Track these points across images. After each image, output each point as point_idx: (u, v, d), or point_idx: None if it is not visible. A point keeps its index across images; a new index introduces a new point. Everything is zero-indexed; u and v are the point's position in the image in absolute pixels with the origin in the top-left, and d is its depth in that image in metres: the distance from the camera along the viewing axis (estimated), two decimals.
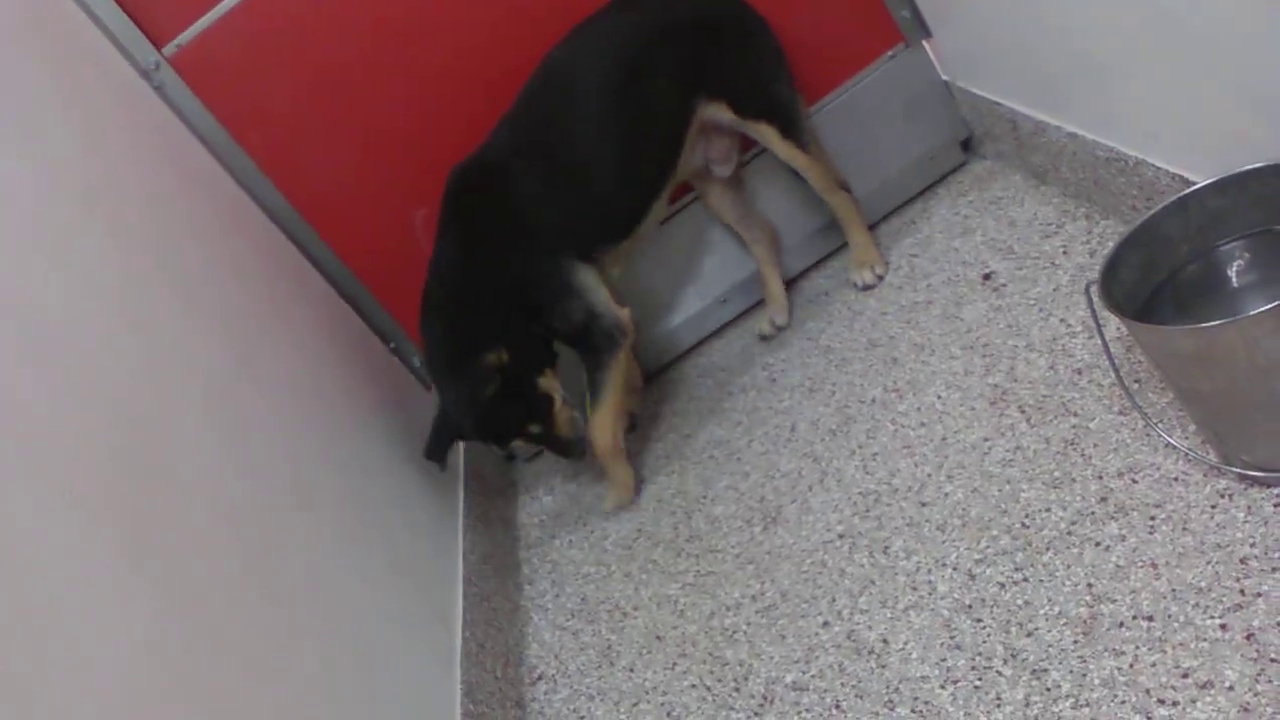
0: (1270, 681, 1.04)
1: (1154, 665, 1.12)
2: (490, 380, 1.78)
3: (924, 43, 2.09)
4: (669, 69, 1.86)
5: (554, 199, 1.84)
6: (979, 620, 1.30)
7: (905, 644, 1.34)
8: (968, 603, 1.33)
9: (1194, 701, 1.07)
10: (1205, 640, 1.11)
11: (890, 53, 2.09)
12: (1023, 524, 1.37)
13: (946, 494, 1.49)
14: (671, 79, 1.87)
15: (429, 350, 1.90)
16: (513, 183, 1.83)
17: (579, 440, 1.93)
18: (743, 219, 2.12)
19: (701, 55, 1.87)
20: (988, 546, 1.38)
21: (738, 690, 1.46)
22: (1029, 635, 1.24)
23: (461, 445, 2.14)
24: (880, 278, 2.02)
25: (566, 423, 1.91)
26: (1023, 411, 1.52)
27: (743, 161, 2.08)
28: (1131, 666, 1.14)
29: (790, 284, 2.22)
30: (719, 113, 1.91)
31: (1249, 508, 1.20)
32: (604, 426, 1.91)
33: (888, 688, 1.31)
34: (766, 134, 1.94)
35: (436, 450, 1.88)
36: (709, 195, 2.10)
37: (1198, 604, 1.15)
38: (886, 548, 1.48)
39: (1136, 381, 1.43)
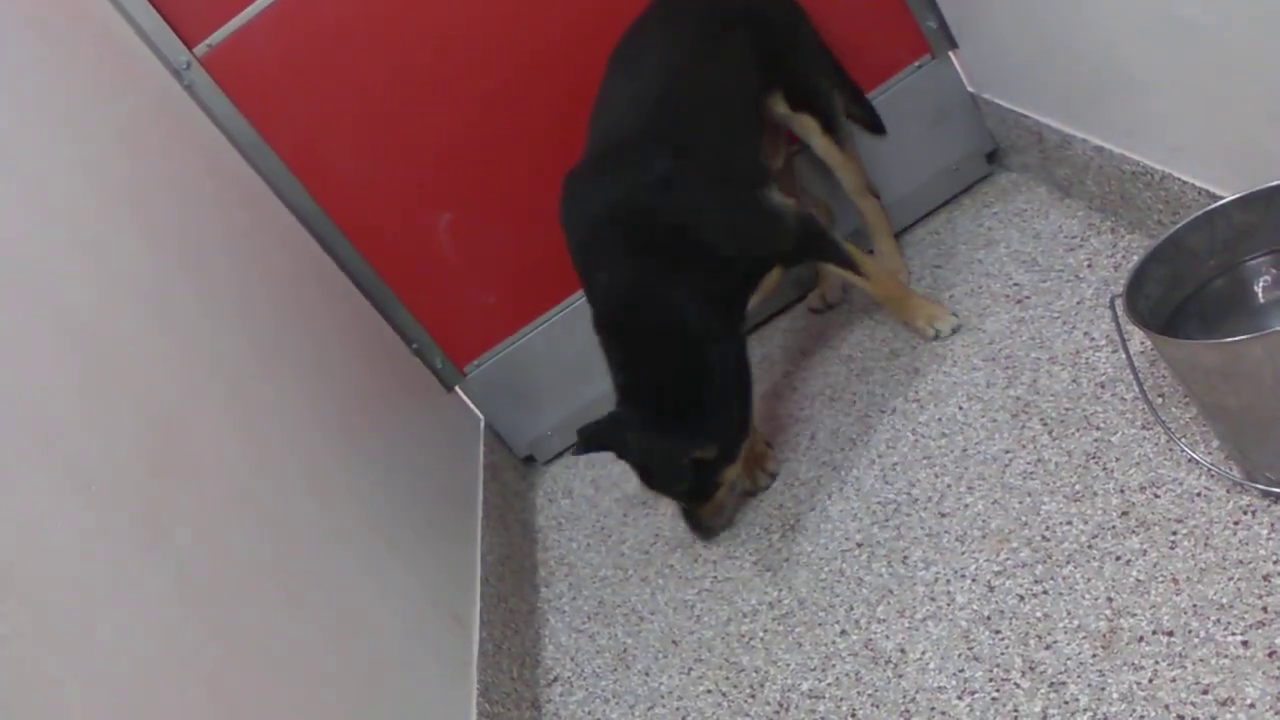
0: None
1: (1174, 681, 1.12)
2: (685, 475, 1.67)
3: (950, 54, 2.09)
4: (739, 55, 1.84)
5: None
6: (997, 632, 1.30)
7: (923, 654, 1.34)
8: (986, 614, 1.33)
9: (1214, 718, 1.06)
10: (1226, 657, 1.11)
11: (916, 64, 2.09)
12: (1043, 536, 1.37)
13: (966, 505, 1.49)
14: (743, 63, 1.84)
15: (636, 376, 1.69)
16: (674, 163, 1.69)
17: (715, 529, 1.78)
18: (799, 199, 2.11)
19: (759, 44, 1.86)
20: (1007, 558, 1.37)
21: (753, 697, 1.46)
22: (1048, 648, 1.24)
23: (482, 448, 2.15)
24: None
25: (716, 510, 1.76)
26: (1044, 424, 1.52)
27: (792, 152, 2.08)
28: (1151, 681, 1.13)
29: (814, 289, 2.22)
30: (776, 104, 1.90)
31: (1272, 524, 1.19)
32: (878, 271, 1.86)
33: (904, 697, 1.31)
34: (809, 126, 1.92)
35: (590, 442, 1.76)
36: None
37: (1219, 620, 1.14)
38: (905, 558, 1.48)
39: (1160, 396, 1.42)
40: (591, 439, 1.75)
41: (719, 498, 1.74)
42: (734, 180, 1.74)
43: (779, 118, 1.92)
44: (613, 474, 2.09)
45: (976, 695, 1.25)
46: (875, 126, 2.09)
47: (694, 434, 1.64)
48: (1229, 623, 1.13)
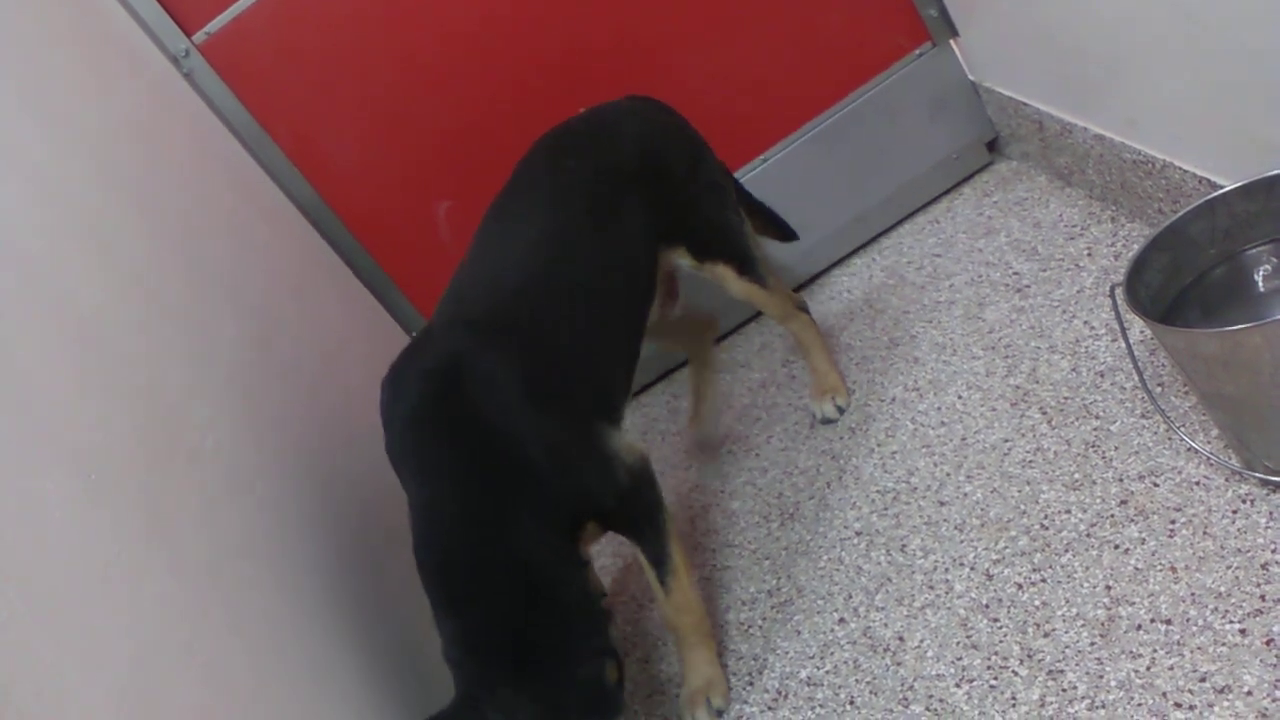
0: None
1: (1171, 669, 1.12)
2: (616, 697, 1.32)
3: (951, 42, 2.09)
4: (633, 217, 1.60)
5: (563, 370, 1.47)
6: (996, 620, 1.30)
7: (921, 642, 1.34)
8: (985, 602, 1.33)
9: (1211, 706, 1.07)
10: (1224, 645, 1.11)
11: (917, 51, 2.09)
12: (1042, 525, 1.37)
13: (965, 494, 1.49)
14: (637, 227, 1.61)
15: (480, 636, 1.32)
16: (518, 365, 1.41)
17: None
18: (675, 328, 1.91)
19: (657, 198, 1.63)
20: (1006, 547, 1.37)
21: (751, 684, 1.46)
22: (1046, 636, 1.24)
23: None
24: (842, 410, 1.80)
25: None
26: (1044, 413, 1.52)
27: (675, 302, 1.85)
28: (1149, 669, 1.13)
29: (812, 280, 2.22)
30: (679, 259, 1.69)
31: (1271, 513, 1.19)
32: (688, 597, 1.48)
33: (902, 685, 1.31)
34: (723, 275, 1.72)
35: None
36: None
37: (1217, 608, 1.14)
38: (904, 546, 1.48)
39: (1159, 385, 1.42)
40: None
41: None
42: (576, 405, 1.44)
43: (683, 271, 1.72)
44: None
45: (974, 683, 1.25)
46: (786, 234, 1.97)
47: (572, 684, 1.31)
48: (1227, 611, 1.13)
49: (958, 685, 1.26)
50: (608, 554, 1.89)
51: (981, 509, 1.45)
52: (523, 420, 1.36)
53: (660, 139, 1.70)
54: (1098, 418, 1.45)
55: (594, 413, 1.46)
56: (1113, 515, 1.31)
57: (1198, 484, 1.28)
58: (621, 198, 1.60)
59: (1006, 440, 1.52)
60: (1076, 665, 1.19)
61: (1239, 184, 1.23)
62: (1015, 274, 1.81)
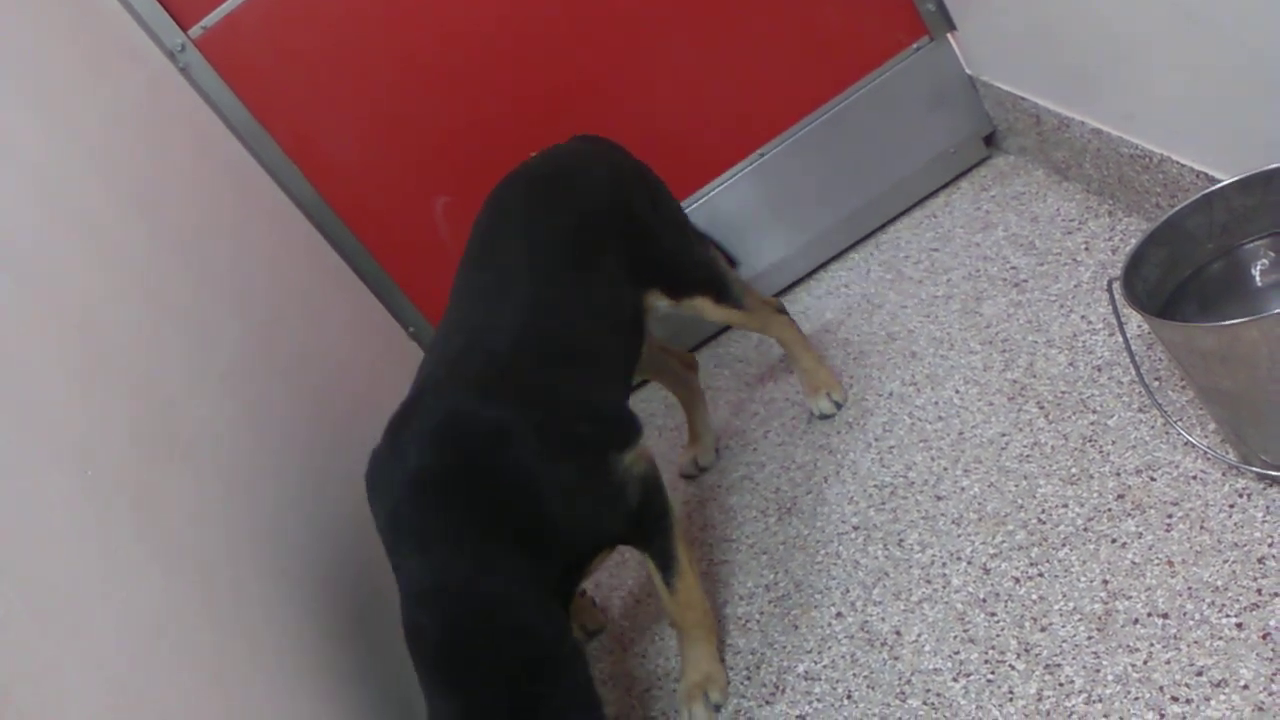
0: None
1: (1168, 663, 1.12)
2: None
3: (948, 36, 2.09)
4: (612, 259, 1.58)
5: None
6: (993, 614, 1.30)
7: (918, 636, 1.34)
8: (982, 596, 1.33)
9: (1208, 700, 1.07)
10: (1220, 639, 1.11)
11: (915, 46, 2.09)
12: (1039, 519, 1.37)
13: (963, 488, 1.49)
14: (618, 268, 1.58)
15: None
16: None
17: None
18: (660, 373, 1.94)
19: (628, 241, 1.61)
20: (1003, 541, 1.38)
21: (749, 679, 1.46)
22: (1043, 630, 1.24)
23: None
24: (838, 405, 1.80)
25: None
26: (1041, 407, 1.52)
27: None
28: (1146, 663, 1.14)
29: (810, 275, 2.22)
30: (655, 301, 1.65)
31: (1267, 507, 1.19)
32: (693, 595, 1.48)
33: (900, 679, 1.31)
34: (702, 307, 1.71)
35: None
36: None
37: (1214, 602, 1.14)
38: (901, 540, 1.49)
39: (1157, 379, 1.42)
40: None
41: None
42: (585, 440, 1.40)
43: (660, 312, 1.67)
44: None
45: (972, 677, 1.25)
46: (726, 260, 1.88)
47: None
48: (1224, 605, 1.13)
49: (955, 679, 1.26)
50: None
51: (979, 503, 1.45)
52: (536, 473, 1.31)
53: (625, 181, 1.66)
54: (1095, 412, 1.45)
55: (604, 446, 1.42)
56: (1110, 509, 1.32)
57: (1195, 478, 1.28)
58: (602, 242, 1.57)
59: (1004, 435, 1.52)
60: (1073, 659, 1.19)
61: (1236, 178, 1.23)
62: (1012, 268, 1.81)
